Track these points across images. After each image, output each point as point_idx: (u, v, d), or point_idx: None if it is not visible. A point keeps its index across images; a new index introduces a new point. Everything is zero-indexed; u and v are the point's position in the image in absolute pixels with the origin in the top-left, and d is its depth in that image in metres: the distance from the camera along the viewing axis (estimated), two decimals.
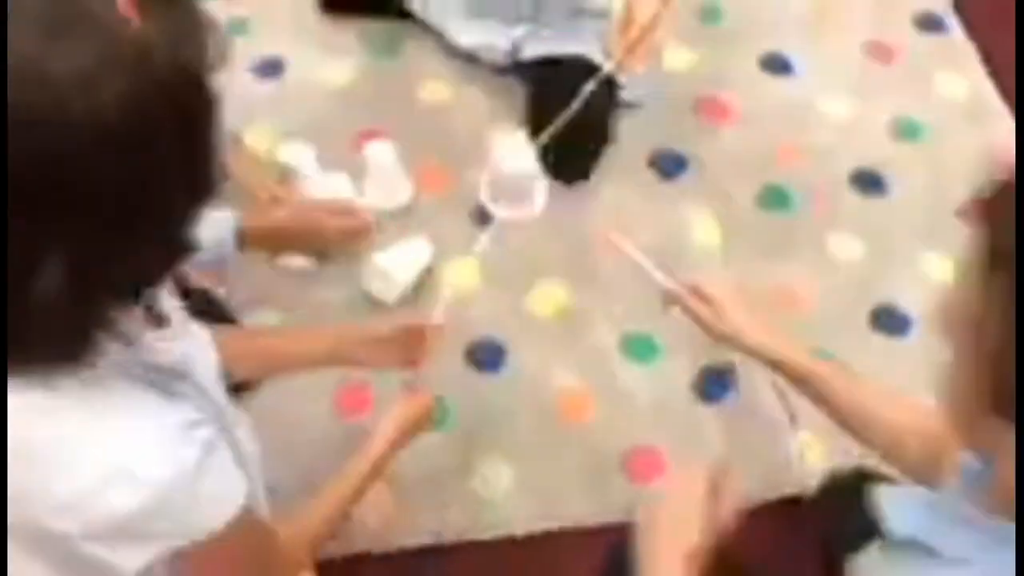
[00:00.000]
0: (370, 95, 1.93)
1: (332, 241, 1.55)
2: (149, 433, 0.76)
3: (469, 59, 1.94)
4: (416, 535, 1.47)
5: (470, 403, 1.59)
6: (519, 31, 1.84)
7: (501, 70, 1.92)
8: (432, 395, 1.27)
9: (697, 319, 1.23)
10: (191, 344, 0.86)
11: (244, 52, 2.00)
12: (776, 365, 1.19)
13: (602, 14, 1.79)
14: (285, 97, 1.94)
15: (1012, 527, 0.66)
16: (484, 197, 1.74)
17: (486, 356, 1.63)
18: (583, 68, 1.75)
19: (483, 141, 1.85)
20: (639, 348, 1.65)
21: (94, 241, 0.67)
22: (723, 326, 1.20)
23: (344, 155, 1.79)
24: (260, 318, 1.64)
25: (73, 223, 0.65)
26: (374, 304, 1.67)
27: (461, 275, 1.71)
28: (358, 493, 1.10)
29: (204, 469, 0.78)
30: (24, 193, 0.63)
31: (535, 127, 1.77)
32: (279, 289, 1.68)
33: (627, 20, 1.66)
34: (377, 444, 1.14)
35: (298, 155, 1.62)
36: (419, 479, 1.51)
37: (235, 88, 1.89)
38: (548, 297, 1.70)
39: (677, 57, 2.02)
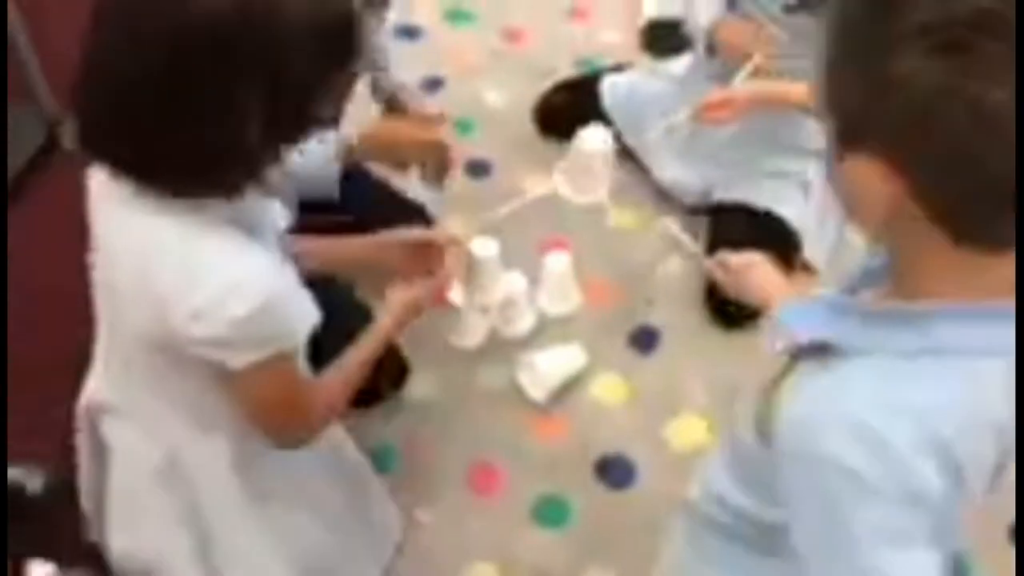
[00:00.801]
0: (562, 209, 2.09)
1: (411, 151, 1.64)
2: (256, 258, 1.01)
3: (664, 195, 2.07)
4: None
5: (591, 511, 1.65)
6: (715, 175, 1.96)
7: (692, 210, 2.03)
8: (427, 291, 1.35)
9: (721, 284, 1.40)
10: (269, 208, 1.12)
11: (463, 151, 2.21)
12: None
13: (801, 181, 1.89)
14: (487, 196, 2.12)
15: (910, 309, 0.73)
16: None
17: (615, 472, 1.70)
18: (769, 220, 1.86)
19: (656, 272, 1.98)
20: None
21: (285, 95, 0.94)
22: (740, 289, 1.36)
23: (527, 257, 1.94)
24: (419, 389, 1.79)
25: (273, 78, 0.93)
26: (522, 398, 1.78)
27: (610, 389, 1.81)
28: (369, 360, 1.24)
29: (293, 290, 1.05)
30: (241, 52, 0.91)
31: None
32: (446, 367, 1.82)
33: (755, 31, 1.79)
34: (387, 321, 1.29)
35: (484, 249, 1.77)
36: (529, 568, 1.58)
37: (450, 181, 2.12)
38: (688, 430, 1.76)
39: None
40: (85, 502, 1.31)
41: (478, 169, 2.19)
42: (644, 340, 1.88)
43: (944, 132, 0.65)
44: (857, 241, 1.83)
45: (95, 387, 1.22)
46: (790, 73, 1.75)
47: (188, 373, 1.08)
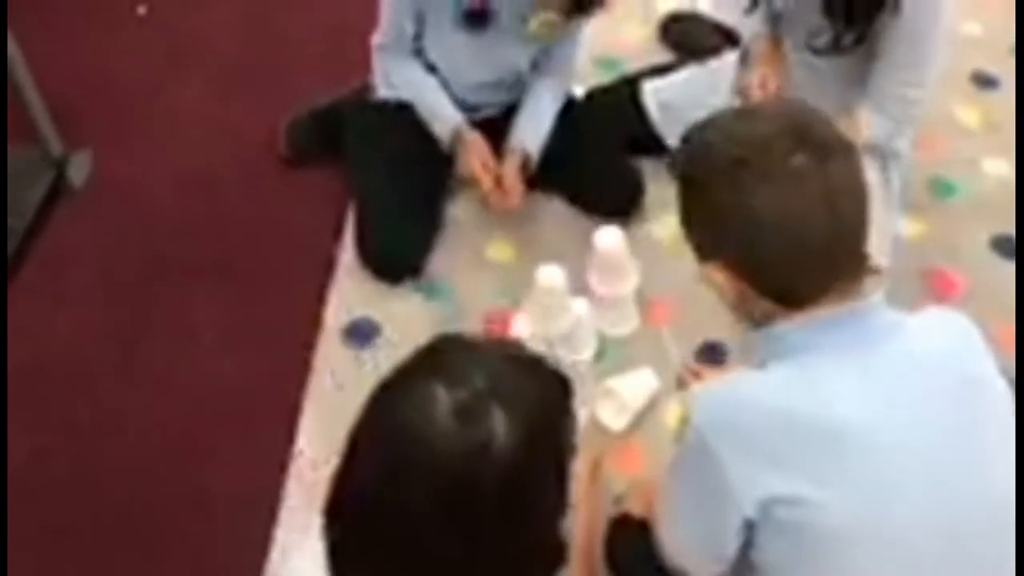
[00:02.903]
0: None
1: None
2: None
3: None
4: None
5: None
6: None
7: None
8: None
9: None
10: None
11: None
12: None
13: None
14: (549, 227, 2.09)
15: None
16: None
17: None
18: None
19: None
20: None
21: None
22: None
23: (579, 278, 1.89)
24: None
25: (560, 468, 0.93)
26: (599, 429, 1.74)
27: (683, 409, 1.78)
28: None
29: None
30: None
31: None
32: None
33: (762, 81, 1.88)
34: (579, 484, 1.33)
35: (551, 278, 1.72)
36: None
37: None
38: None
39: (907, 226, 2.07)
40: None
41: None
42: (712, 355, 1.85)
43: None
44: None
45: None
46: None
47: None
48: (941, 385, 1.03)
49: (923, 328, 1.08)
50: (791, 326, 1.05)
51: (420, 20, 1.87)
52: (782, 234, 1.00)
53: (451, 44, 1.90)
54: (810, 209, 1.00)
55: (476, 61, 1.92)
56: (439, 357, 0.93)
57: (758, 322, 1.11)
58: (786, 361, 1.05)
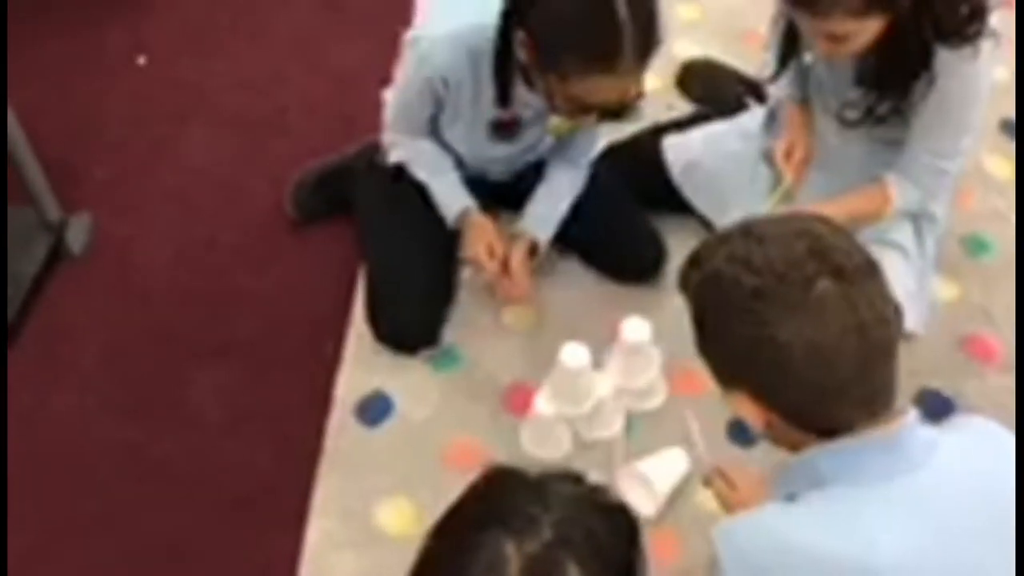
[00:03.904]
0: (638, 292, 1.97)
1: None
2: None
3: None
4: None
5: None
6: None
7: None
8: None
9: (718, 497, 1.43)
10: None
11: None
12: None
13: (898, 247, 1.79)
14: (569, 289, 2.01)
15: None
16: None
17: None
18: None
19: None
20: None
21: None
22: (736, 508, 1.36)
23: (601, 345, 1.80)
24: None
25: None
26: None
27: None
28: None
29: None
30: None
31: None
32: None
33: (789, 149, 1.83)
34: None
35: (576, 358, 1.64)
36: None
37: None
38: None
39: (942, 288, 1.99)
40: None
41: None
42: (741, 433, 1.76)
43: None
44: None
45: None
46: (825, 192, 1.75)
47: None
48: (978, 506, 1.00)
49: (957, 446, 1.04)
50: (823, 453, 1.02)
51: (438, 105, 1.77)
52: (812, 366, 0.96)
53: (470, 137, 1.81)
54: (840, 338, 0.95)
55: (494, 148, 1.84)
56: (502, 502, 0.87)
57: (788, 447, 1.08)
58: (818, 493, 1.01)
